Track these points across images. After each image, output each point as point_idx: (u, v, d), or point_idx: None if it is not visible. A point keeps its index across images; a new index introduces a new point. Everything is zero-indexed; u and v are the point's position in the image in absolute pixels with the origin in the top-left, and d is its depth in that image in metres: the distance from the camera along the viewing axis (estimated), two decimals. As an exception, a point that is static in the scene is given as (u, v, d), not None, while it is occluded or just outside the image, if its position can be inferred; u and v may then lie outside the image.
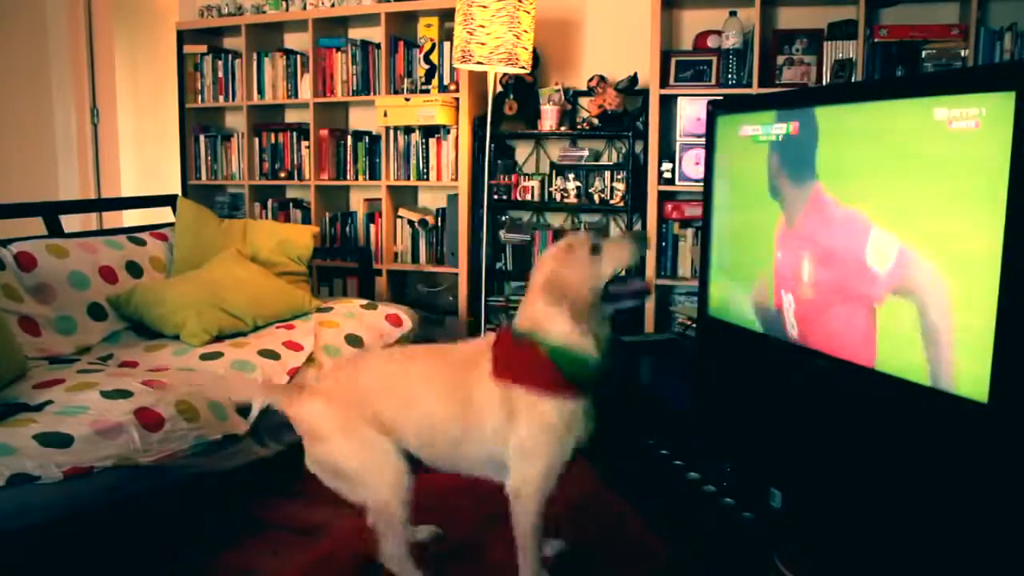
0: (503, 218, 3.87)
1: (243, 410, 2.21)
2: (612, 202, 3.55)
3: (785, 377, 2.15)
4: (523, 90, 3.62)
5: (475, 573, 1.86)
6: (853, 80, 3.10)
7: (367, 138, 4.01)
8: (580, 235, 1.64)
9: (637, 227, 1.69)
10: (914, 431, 1.71)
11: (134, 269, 2.78)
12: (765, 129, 2.19)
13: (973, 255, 1.53)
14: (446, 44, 3.72)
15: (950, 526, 1.38)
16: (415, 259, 3.94)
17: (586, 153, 3.64)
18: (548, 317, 1.59)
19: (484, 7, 3.01)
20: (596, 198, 3.59)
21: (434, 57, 3.77)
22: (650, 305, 3.46)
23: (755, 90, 3.22)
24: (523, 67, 3.14)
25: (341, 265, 4.03)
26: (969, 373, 1.55)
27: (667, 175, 3.42)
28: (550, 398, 1.56)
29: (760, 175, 2.21)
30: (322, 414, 1.67)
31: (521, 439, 1.58)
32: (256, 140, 4.21)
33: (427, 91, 3.78)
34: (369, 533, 1.74)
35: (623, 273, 1.63)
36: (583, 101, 3.66)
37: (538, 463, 1.58)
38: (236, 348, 2.43)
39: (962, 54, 2.97)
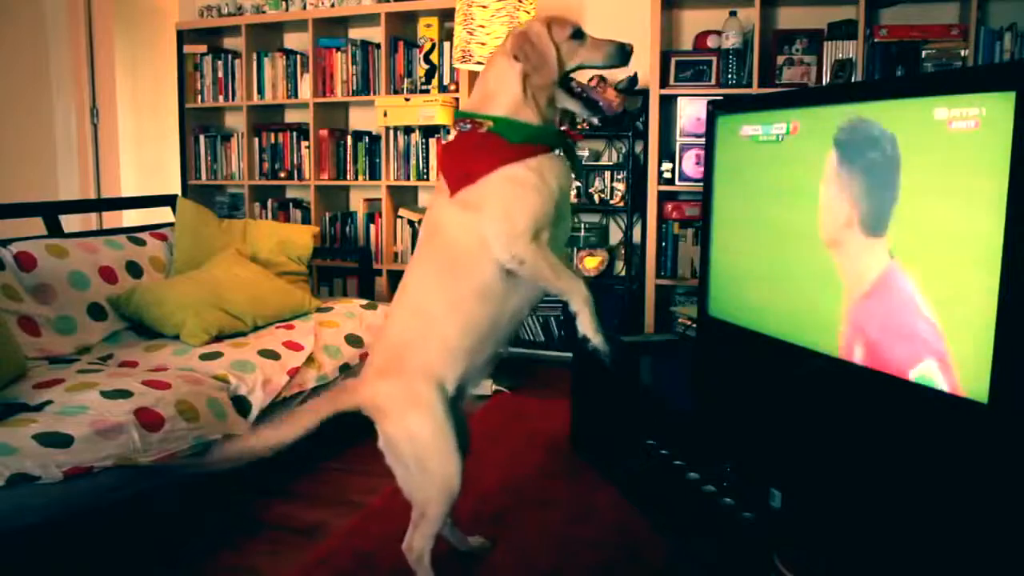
0: (503, 218, 3.87)
1: (243, 410, 2.22)
2: (612, 202, 3.55)
3: (785, 377, 2.15)
4: (523, 90, 3.62)
5: (478, 575, 1.86)
6: (853, 80, 3.11)
7: (367, 138, 4.01)
8: (566, 17, 1.59)
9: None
10: (914, 432, 1.71)
11: (134, 269, 2.78)
12: (765, 129, 2.19)
13: (973, 256, 1.53)
14: (446, 44, 3.72)
15: (951, 527, 1.38)
16: (415, 259, 3.94)
17: (586, 153, 3.65)
18: (499, 85, 1.55)
19: (484, 7, 3.01)
20: (596, 198, 3.59)
21: (434, 57, 3.77)
22: (650, 306, 3.47)
23: (755, 90, 3.22)
24: (523, 67, 3.14)
25: (341, 265, 4.03)
26: (968, 374, 1.55)
27: (667, 175, 3.42)
28: (506, 166, 1.50)
29: (760, 175, 2.21)
30: (379, 388, 1.59)
31: (490, 208, 1.50)
32: (256, 140, 4.22)
33: (427, 91, 3.78)
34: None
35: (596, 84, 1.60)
36: (583, 101, 3.66)
37: (519, 211, 1.48)
38: (236, 348, 2.43)
39: (962, 54, 2.97)
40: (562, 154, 1.60)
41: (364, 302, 3.08)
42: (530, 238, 1.49)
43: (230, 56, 4.22)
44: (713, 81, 3.36)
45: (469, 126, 1.57)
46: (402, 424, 1.57)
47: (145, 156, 4.77)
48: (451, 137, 1.60)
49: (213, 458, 1.72)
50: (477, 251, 1.53)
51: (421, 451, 1.56)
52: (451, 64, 3.66)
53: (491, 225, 1.50)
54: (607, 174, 3.60)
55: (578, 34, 1.58)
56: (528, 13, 3.09)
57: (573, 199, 3.61)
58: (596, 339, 1.55)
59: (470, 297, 1.55)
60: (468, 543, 1.92)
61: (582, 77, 1.56)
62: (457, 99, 3.69)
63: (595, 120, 1.68)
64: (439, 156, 1.62)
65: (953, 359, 1.59)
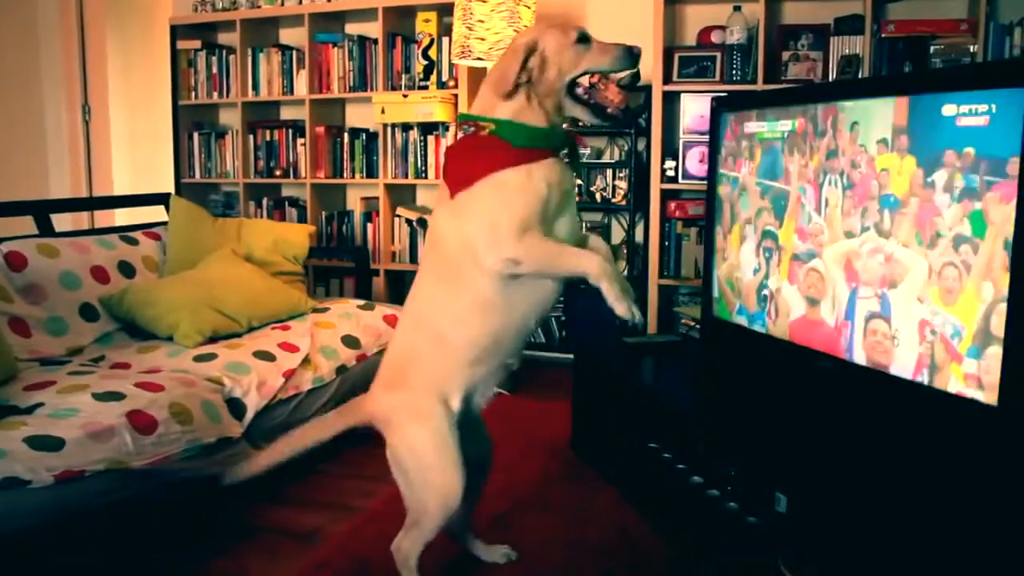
0: (503, 217, 3.87)
1: (237, 412, 2.22)
2: (614, 201, 3.55)
3: (790, 379, 2.15)
4: (523, 86, 3.62)
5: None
6: (860, 76, 3.11)
7: (364, 135, 4.01)
8: (570, 24, 1.56)
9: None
10: (923, 434, 1.71)
11: (126, 269, 2.78)
12: (771, 126, 2.19)
13: (982, 256, 1.53)
14: (444, 40, 3.72)
15: (960, 531, 1.38)
16: (413, 259, 3.94)
17: (587, 151, 3.65)
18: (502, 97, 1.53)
19: (483, 1, 3.01)
20: (598, 197, 3.59)
21: (432, 53, 3.78)
22: (653, 306, 3.47)
23: (760, 86, 3.22)
24: (523, 63, 3.14)
25: (338, 265, 4.03)
26: (978, 375, 1.55)
27: (670, 173, 3.42)
28: (503, 170, 1.48)
29: (765, 172, 2.22)
30: (385, 401, 1.62)
31: (475, 219, 1.49)
32: (251, 137, 4.22)
33: (425, 87, 3.79)
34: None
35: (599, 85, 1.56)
36: (584, 98, 3.65)
37: (503, 215, 1.45)
38: (230, 349, 2.43)
39: (971, 49, 2.97)
40: (565, 157, 1.59)
41: (361, 303, 3.08)
42: (517, 237, 1.46)
43: (224, 52, 4.22)
44: (717, 77, 3.36)
45: (472, 128, 1.56)
46: (405, 436, 1.59)
47: (138, 154, 4.77)
48: (455, 139, 1.59)
49: (231, 475, 1.74)
50: (471, 262, 1.51)
51: (422, 463, 1.58)
52: (450, 60, 3.66)
53: (477, 237, 1.49)
54: (609, 172, 3.60)
55: (583, 38, 1.55)
56: (528, 8, 3.09)
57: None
58: (620, 308, 1.50)
59: (471, 310, 1.54)
60: (492, 554, 1.91)
61: None
62: (456, 96, 3.69)
63: (596, 121, 1.64)
64: (444, 159, 1.60)
65: (962, 360, 1.59)
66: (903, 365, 1.74)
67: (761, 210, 2.24)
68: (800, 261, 2.07)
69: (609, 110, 1.58)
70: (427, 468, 1.57)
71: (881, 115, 1.79)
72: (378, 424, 1.64)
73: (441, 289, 1.58)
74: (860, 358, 1.86)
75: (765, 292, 2.23)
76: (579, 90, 1.57)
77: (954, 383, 1.61)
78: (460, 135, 1.61)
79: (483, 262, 1.48)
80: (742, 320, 2.33)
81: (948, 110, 1.61)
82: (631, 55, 1.57)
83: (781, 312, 2.16)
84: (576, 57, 1.54)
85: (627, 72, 1.61)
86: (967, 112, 1.57)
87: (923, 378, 1.68)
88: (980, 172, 1.54)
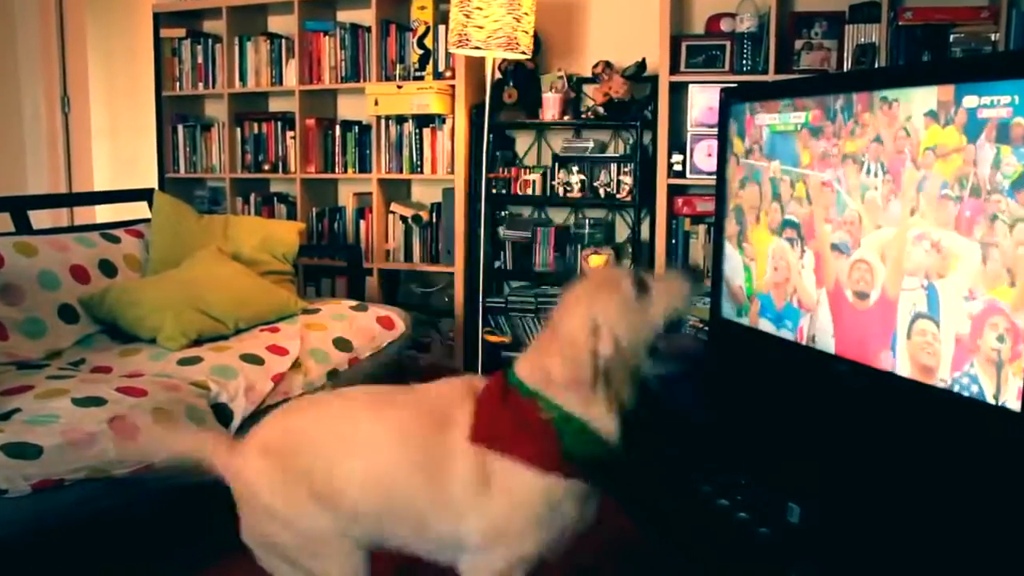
0: (502, 213, 3.88)
1: (224, 418, 2.21)
2: (619, 197, 3.55)
3: (804, 384, 2.15)
4: (523, 77, 3.63)
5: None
6: (876, 66, 3.11)
7: (357, 128, 4.01)
8: (615, 269, 1.42)
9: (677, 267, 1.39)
10: (945, 442, 1.71)
11: (108, 268, 2.78)
12: (783, 118, 2.19)
13: (1004, 253, 1.54)
14: (441, 28, 3.72)
15: (984, 543, 1.38)
16: (408, 257, 3.94)
17: (591, 144, 3.65)
18: (574, 355, 1.32)
19: (482, -12, 3.01)
20: (601, 192, 3.59)
21: (428, 42, 3.78)
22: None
23: (771, 77, 3.22)
24: (523, 52, 3.14)
25: (329, 264, 4.03)
26: (1002, 380, 1.55)
27: (677, 168, 3.42)
28: (537, 472, 1.32)
29: (778, 167, 2.22)
30: (264, 471, 1.42)
31: (490, 517, 1.33)
32: (238, 130, 4.22)
33: (421, 78, 3.79)
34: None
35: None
36: (588, 89, 3.66)
37: (505, 550, 1.33)
38: (217, 352, 2.43)
39: (992, 38, 2.97)
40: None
41: (354, 303, 3.08)
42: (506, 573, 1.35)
43: (210, 40, 4.22)
44: (727, 67, 3.36)
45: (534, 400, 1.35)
46: (288, 520, 1.41)
47: (120, 148, 4.76)
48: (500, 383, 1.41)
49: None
50: (458, 512, 1.35)
51: (314, 551, 1.42)
52: (447, 49, 3.66)
53: (482, 547, 1.34)
54: (613, 167, 3.60)
55: (641, 287, 1.35)
56: (529, -6, 3.09)
57: (577, 194, 3.61)
58: None
59: (425, 514, 1.38)
60: None
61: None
62: (453, 87, 3.69)
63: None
64: (482, 393, 1.41)
65: (986, 362, 1.59)
66: (925, 368, 1.74)
67: (775, 205, 2.24)
68: (818, 259, 2.07)
69: (685, 345, 1.43)
70: (323, 555, 1.41)
71: (898, 104, 1.79)
72: (236, 490, 1.47)
73: (402, 470, 1.38)
74: (881, 362, 1.86)
75: (779, 292, 2.23)
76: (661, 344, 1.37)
77: (976, 387, 1.61)
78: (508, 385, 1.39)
79: (464, 562, 1.38)
80: (753, 322, 2.33)
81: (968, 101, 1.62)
82: (697, 273, 1.45)
83: (795, 313, 2.16)
84: (645, 316, 1.34)
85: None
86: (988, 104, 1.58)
87: (944, 382, 1.68)
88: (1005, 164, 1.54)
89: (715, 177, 2.54)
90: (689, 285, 1.39)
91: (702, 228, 3.45)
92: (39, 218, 2.95)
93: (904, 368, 1.78)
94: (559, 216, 3.88)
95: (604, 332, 1.31)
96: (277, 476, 1.41)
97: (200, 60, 4.24)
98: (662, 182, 3.42)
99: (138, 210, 3.33)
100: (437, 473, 1.35)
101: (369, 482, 1.38)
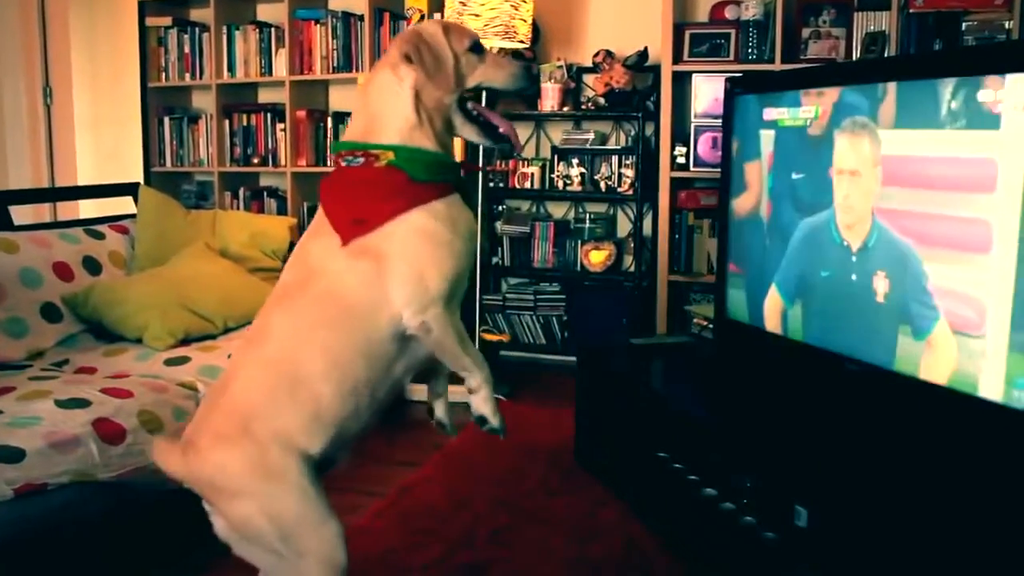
0: (500, 208, 3.87)
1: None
2: (620, 190, 3.55)
3: (812, 385, 2.15)
4: (521, 66, 3.62)
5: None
6: (886, 55, 3.11)
7: (349, 120, 4.00)
8: (464, 26, 1.50)
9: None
10: (957, 443, 1.71)
11: (92, 265, 2.78)
12: (791, 110, 2.19)
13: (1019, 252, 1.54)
14: (436, 15, 3.71)
15: (997, 546, 1.38)
16: (403, 253, 3.94)
17: (591, 136, 3.65)
18: (387, 105, 1.44)
19: (478, -26, 3.01)
20: (602, 185, 3.59)
21: (423, 30, 3.76)
22: (662, 305, 3.47)
23: (778, 66, 3.22)
24: (521, 41, 3.14)
25: (321, 260, 4.02)
26: (1018, 379, 1.55)
27: (680, 160, 3.42)
28: (409, 214, 1.41)
29: (785, 159, 2.22)
30: (219, 458, 1.40)
31: (400, 271, 1.41)
32: (226, 122, 4.21)
33: (415, 68, 3.77)
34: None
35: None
36: (588, 79, 3.66)
37: (433, 273, 1.41)
38: (204, 352, 2.43)
39: (1006, 26, 2.97)
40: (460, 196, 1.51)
41: (346, 301, 3.07)
42: (442, 302, 1.43)
43: (197, 29, 4.21)
44: (731, 56, 3.35)
45: (361, 159, 1.45)
46: (259, 503, 1.40)
47: (104, 140, 4.75)
48: (333, 171, 1.50)
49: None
50: (374, 306, 1.43)
51: (289, 530, 1.40)
52: (442, 38, 3.65)
53: (401, 287, 1.41)
54: (614, 159, 3.60)
55: (477, 47, 1.48)
56: (527, -19, 3.08)
57: (577, 187, 3.62)
58: (495, 420, 1.50)
59: (355, 357, 1.44)
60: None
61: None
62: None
63: (488, 144, 1.59)
64: (321, 194, 1.52)
65: (997, 363, 1.59)
66: (936, 369, 1.74)
67: (783, 199, 2.24)
68: (825, 256, 2.07)
69: (501, 130, 1.53)
70: (299, 533, 1.40)
71: (909, 95, 1.79)
72: (200, 489, 1.44)
73: (320, 331, 1.45)
74: (890, 363, 1.86)
75: (786, 290, 2.23)
76: (468, 105, 1.51)
77: (988, 389, 1.61)
78: (339, 166, 1.50)
79: (399, 310, 1.42)
80: (759, 321, 2.33)
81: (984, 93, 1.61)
82: (529, 74, 1.52)
83: (803, 312, 2.16)
84: (470, 65, 1.48)
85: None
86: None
87: (958, 384, 1.69)
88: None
89: (720, 169, 2.54)
90: (518, 74, 1.50)
91: (706, 223, 3.45)
92: (21, 213, 2.94)
93: (904, 367, 1.78)
94: (558, 210, 3.87)
95: (427, 48, 1.44)
96: (250, 457, 1.40)
97: (187, 50, 4.23)
98: (665, 175, 3.42)
99: (123, 205, 3.32)
100: (362, 304, 1.43)
101: (336, 373, 1.44)
